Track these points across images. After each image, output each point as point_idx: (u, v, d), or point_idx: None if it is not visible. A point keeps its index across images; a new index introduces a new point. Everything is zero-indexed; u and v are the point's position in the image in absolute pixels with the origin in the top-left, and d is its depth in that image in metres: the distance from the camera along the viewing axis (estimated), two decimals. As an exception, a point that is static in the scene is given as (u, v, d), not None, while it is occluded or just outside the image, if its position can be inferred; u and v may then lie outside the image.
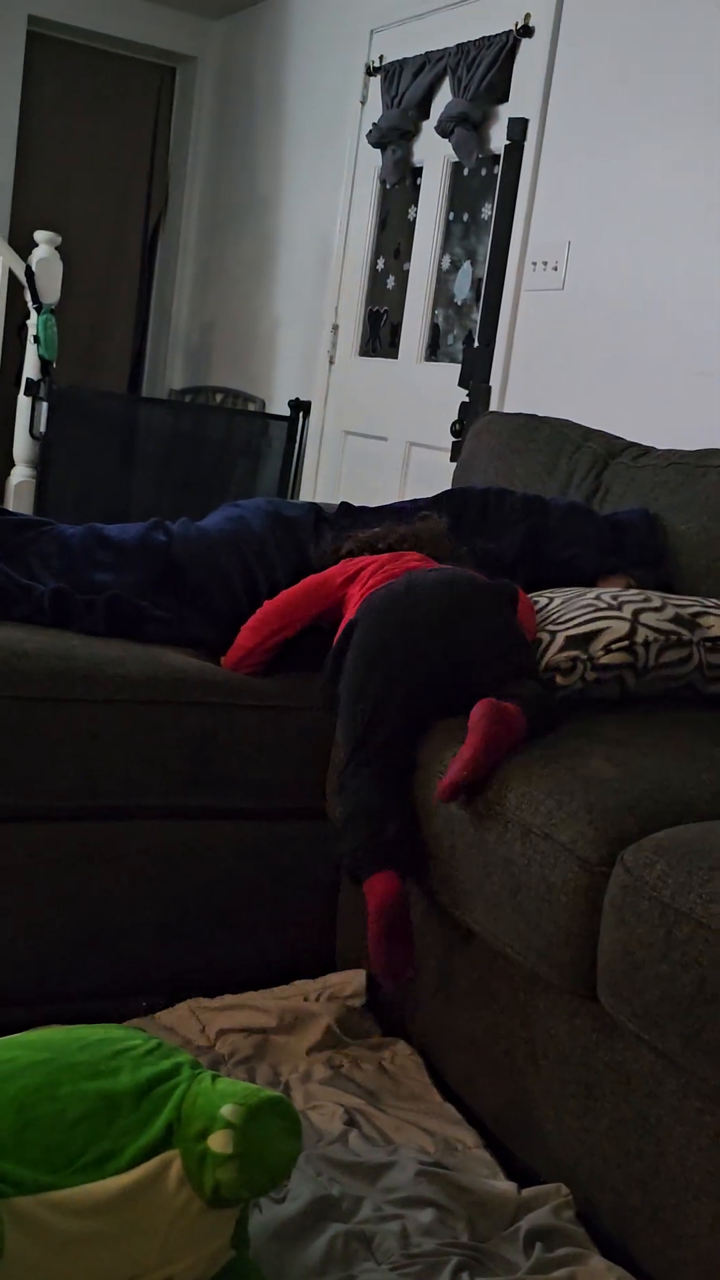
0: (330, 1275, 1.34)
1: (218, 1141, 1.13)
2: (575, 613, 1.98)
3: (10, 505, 4.36)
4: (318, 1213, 1.45)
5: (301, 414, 4.78)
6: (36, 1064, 1.16)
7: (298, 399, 4.79)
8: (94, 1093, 1.14)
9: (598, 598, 2.01)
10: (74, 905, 1.90)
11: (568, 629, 1.94)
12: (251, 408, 5.16)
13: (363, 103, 4.55)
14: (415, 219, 4.36)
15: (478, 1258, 1.40)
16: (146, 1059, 1.20)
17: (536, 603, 2.06)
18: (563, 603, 2.03)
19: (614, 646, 1.91)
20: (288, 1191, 1.47)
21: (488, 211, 4.02)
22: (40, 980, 1.90)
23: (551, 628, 1.95)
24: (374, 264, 4.61)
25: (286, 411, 4.82)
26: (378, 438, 4.43)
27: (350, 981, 1.94)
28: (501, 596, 1.94)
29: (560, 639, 1.92)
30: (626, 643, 1.91)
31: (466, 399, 3.79)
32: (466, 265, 4.17)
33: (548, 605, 2.03)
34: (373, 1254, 1.39)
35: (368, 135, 4.42)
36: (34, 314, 4.35)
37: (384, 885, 1.69)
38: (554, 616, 1.99)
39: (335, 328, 4.73)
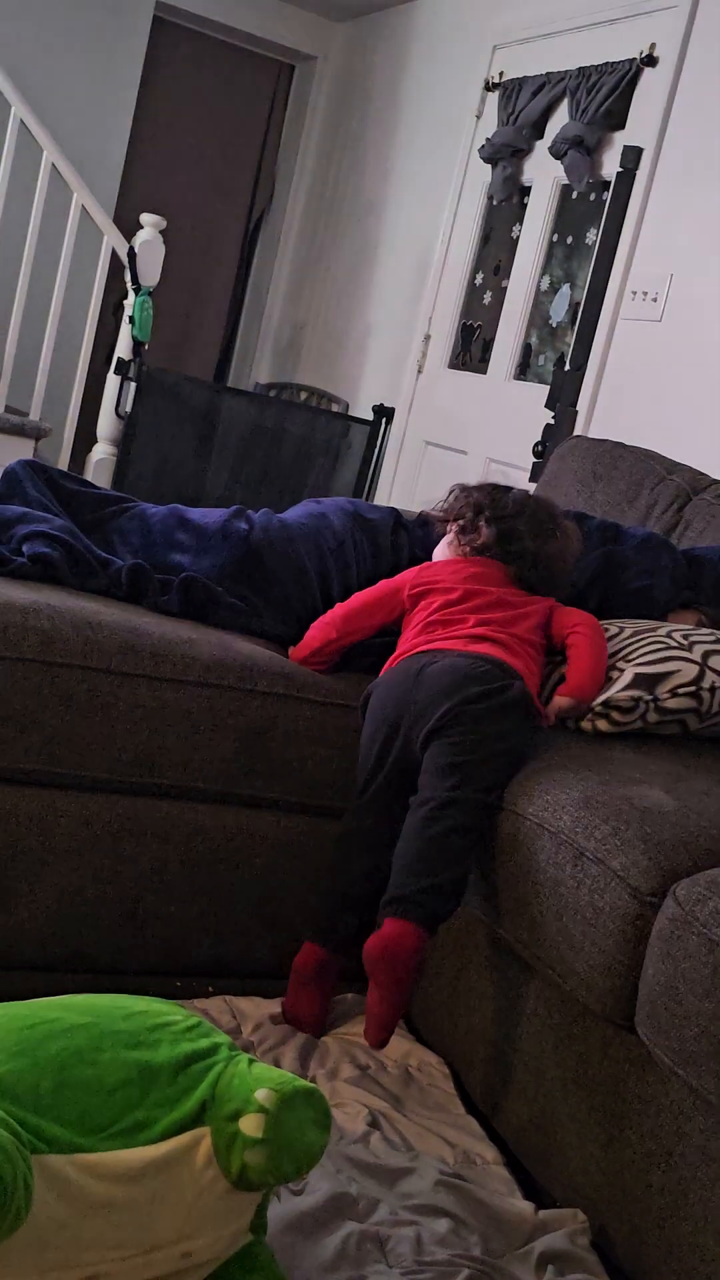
0: (342, 1272, 1.35)
1: (249, 1124, 1.13)
2: (647, 648, 1.97)
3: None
4: (334, 1209, 1.45)
5: (385, 420, 4.79)
6: (80, 1027, 1.17)
7: (382, 405, 4.81)
8: (133, 1062, 1.15)
9: (669, 635, 2.01)
10: (119, 878, 1.92)
11: (637, 665, 1.93)
12: (335, 409, 5.18)
13: (478, 117, 4.57)
14: (519, 237, 4.37)
15: (489, 1273, 1.40)
16: (186, 1035, 1.21)
17: (606, 630, 2.06)
18: (633, 634, 2.02)
19: (680, 690, 1.91)
20: (306, 1184, 1.47)
21: (592, 236, 4.01)
22: (78, 949, 1.92)
23: (621, 663, 1.95)
24: (472, 278, 4.62)
25: (370, 416, 4.83)
26: (458, 450, 4.44)
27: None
28: (509, 706, 1.81)
29: (629, 675, 1.92)
30: (694, 688, 1.91)
31: (552, 421, 3.79)
32: (565, 288, 4.17)
33: (618, 634, 2.03)
34: (385, 1257, 1.39)
35: (480, 150, 4.44)
36: (132, 295, 4.39)
37: (306, 956, 1.85)
38: (624, 651, 1.98)
39: (427, 338, 4.75)
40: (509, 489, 2.21)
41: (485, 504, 2.15)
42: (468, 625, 1.97)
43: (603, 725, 1.90)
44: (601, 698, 1.91)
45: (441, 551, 2.19)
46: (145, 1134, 1.12)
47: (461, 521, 2.15)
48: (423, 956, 1.65)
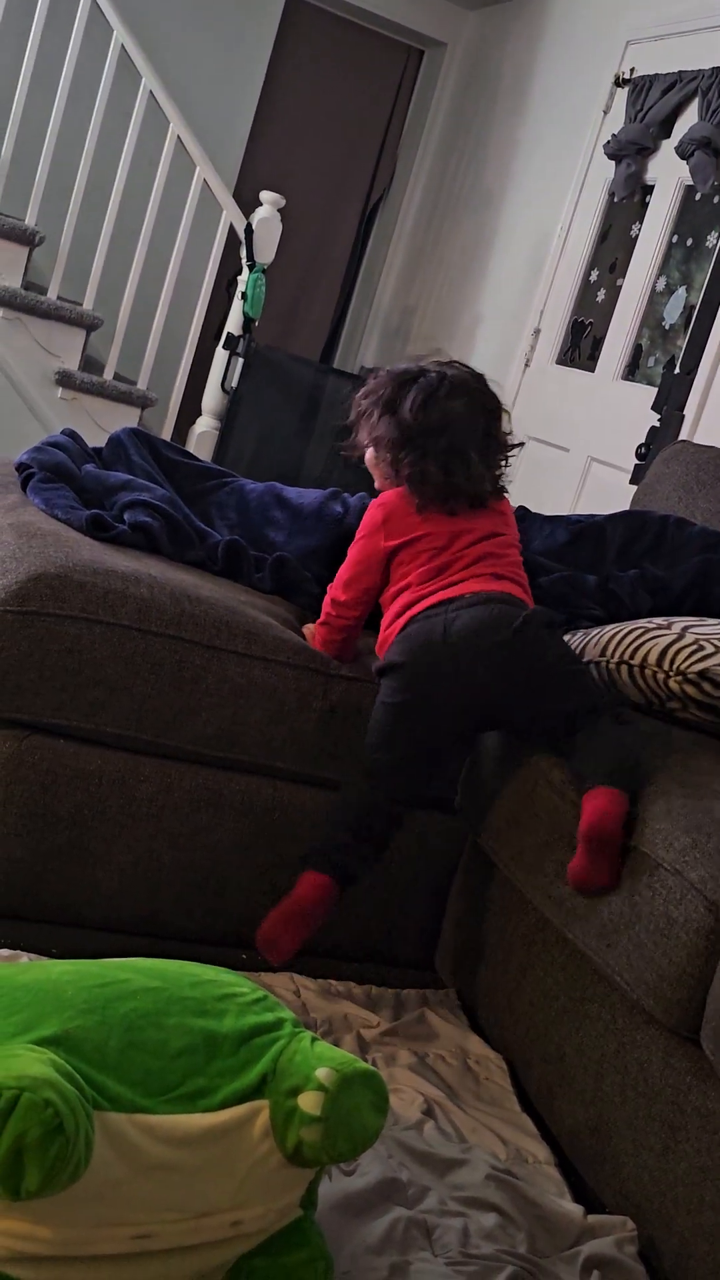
0: (387, 1256, 1.35)
1: (308, 1101, 1.14)
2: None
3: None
4: (383, 1193, 1.46)
5: (487, 411, 4.76)
6: (149, 990, 1.19)
7: (486, 396, 4.78)
8: (198, 1029, 1.17)
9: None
10: (194, 847, 1.94)
11: None
12: (439, 397, 5.16)
13: (605, 112, 4.52)
14: (637, 236, 4.32)
15: (533, 1272, 1.40)
16: (252, 1007, 1.22)
17: (704, 622, 2.03)
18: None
19: None
20: (358, 1166, 1.48)
21: (713, 239, 3.96)
22: (150, 913, 1.95)
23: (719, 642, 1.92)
24: (587, 274, 4.58)
25: (473, 406, 4.81)
26: (560, 447, 4.41)
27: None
28: (549, 626, 1.80)
29: None
30: None
31: (657, 424, 3.75)
32: (681, 290, 4.12)
33: (716, 623, 2.01)
34: (431, 1245, 1.40)
35: (605, 146, 4.39)
36: (246, 271, 4.42)
37: (308, 887, 1.80)
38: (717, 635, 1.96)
39: (537, 332, 4.72)
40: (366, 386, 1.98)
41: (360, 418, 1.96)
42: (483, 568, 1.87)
43: (691, 691, 1.86)
44: (698, 667, 1.86)
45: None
46: (205, 1101, 1.14)
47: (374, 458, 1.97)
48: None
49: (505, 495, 1.99)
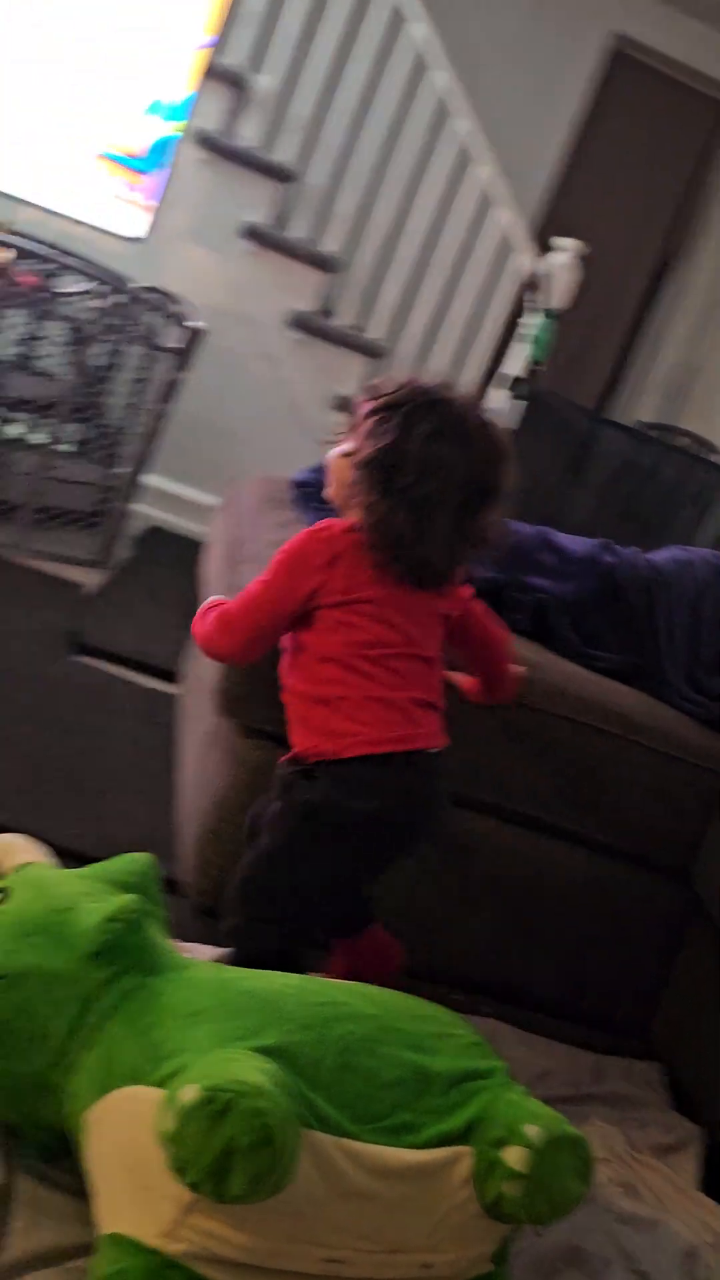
0: (569, 1328, 1.32)
1: (512, 1156, 1.13)
2: None
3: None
4: (568, 1259, 1.42)
5: (764, 479, 4.64)
6: (367, 1016, 1.19)
7: (765, 463, 4.66)
8: (411, 1063, 1.17)
9: None
10: (420, 882, 1.93)
11: None
12: (716, 460, 5.06)
13: None
14: None
15: None
16: (467, 1051, 1.22)
17: None
18: None
19: None
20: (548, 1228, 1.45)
21: None
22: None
23: None
24: None
25: (749, 472, 4.69)
26: None
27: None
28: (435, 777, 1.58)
29: None
30: None
31: None
32: None
33: None
34: (614, 1325, 1.36)
35: None
36: (539, 316, 4.42)
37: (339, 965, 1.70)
38: None
39: None
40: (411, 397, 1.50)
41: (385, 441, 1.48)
42: (411, 690, 1.54)
43: None
44: None
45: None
46: (410, 1137, 1.13)
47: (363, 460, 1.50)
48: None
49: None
